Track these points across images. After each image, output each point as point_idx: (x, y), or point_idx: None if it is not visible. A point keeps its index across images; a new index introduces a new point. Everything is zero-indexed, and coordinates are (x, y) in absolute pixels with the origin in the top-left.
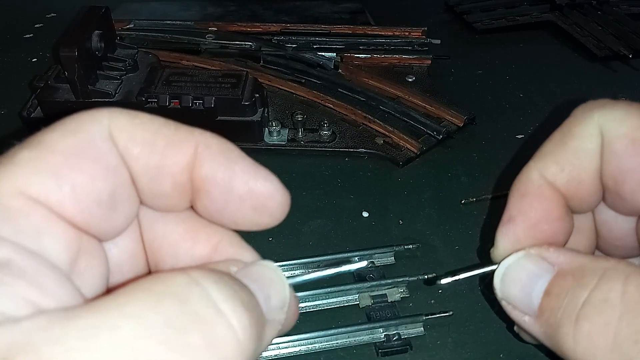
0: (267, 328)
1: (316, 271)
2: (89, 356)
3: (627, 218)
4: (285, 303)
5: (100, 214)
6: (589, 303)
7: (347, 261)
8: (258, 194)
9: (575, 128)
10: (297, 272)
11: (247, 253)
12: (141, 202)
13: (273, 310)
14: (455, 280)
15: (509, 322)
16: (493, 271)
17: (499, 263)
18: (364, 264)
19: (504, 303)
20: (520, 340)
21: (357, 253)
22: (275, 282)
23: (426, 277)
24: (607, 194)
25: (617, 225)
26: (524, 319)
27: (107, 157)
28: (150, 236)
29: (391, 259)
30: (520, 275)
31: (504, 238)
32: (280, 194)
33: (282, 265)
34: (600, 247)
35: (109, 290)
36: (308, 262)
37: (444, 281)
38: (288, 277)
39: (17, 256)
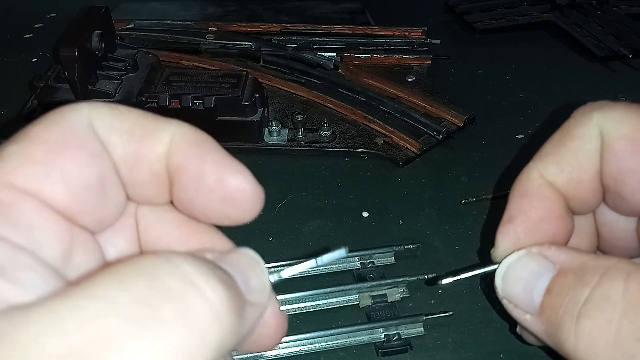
0: (248, 308)
1: (295, 265)
2: (55, 339)
3: (628, 219)
4: (265, 286)
5: (91, 200)
6: (591, 301)
7: (327, 250)
8: (227, 185)
9: (575, 129)
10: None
11: None
12: (128, 198)
13: (253, 292)
14: (456, 280)
15: (512, 323)
16: (494, 271)
17: (500, 262)
18: (343, 252)
19: (505, 302)
20: (523, 342)
21: (357, 253)
22: (253, 265)
23: (427, 277)
24: (607, 195)
25: (618, 226)
26: (526, 318)
27: (91, 144)
28: (145, 239)
29: (391, 259)
30: (521, 274)
31: (505, 238)
32: (251, 188)
33: (282, 265)
34: (601, 248)
35: None
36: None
37: (445, 281)
38: (270, 272)
39: None
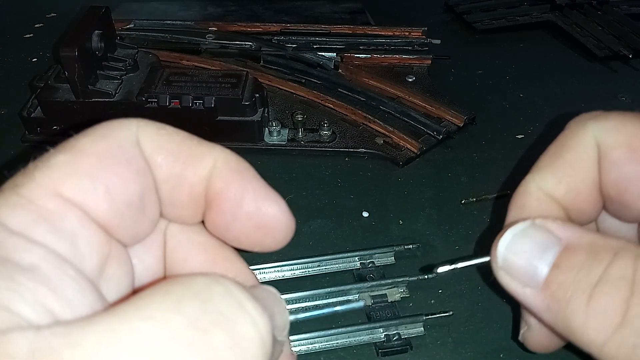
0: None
1: (312, 310)
2: None
3: (630, 225)
4: (286, 325)
5: (130, 216)
6: (605, 279)
7: (346, 301)
8: (265, 214)
9: (570, 140)
10: (297, 272)
11: None
12: (160, 215)
13: (278, 329)
14: (453, 269)
15: (515, 331)
16: (489, 262)
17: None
18: (361, 304)
19: (501, 273)
20: (526, 351)
21: (357, 253)
22: (278, 303)
23: (426, 277)
24: (609, 203)
25: (621, 233)
26: (525, 291)
27: (137, 161)
28: (171, 258)
29: (391, 259)
30: (526, 245)
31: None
32: (286, 218)
33: (283, 265)
34: None
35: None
36: (308, 262)
37: (441, 269)
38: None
39: (44, 262)
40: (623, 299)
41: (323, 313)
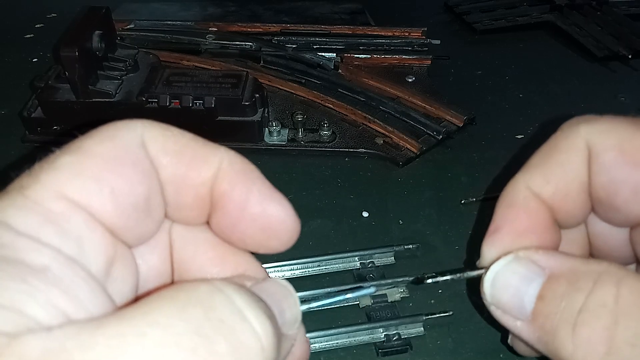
0: (283, 340)
1: (323, 298)
2: None
3: (621, 230)
4: (297, 319)
5: (136, 218)
6: (587, 308)
7: (357, 287)
8: (269, 215)
9: (562, 142)
10: (297, 272)
11: None
12: (165, 215)
13: (287, 324)
14: (443, 280)
15: (504, 334)
16: (480, 275)
17: (488, 267)
18: (372, 290)
19: (493, 309)
20: (514, 353)
21: (357, 253)
22: (287, 297)
23: (416, 277)
24: (599, 207)
25: (612, 237)
26: (516, 324)
27: (142, 163)
28: (179, 257)
29: (391, 259)
30: (511, 280)
31: (490, 248)
32: (291, 220)
33: (283, 265)
34: (593, 256)
35: (137, 300)
36: (308, 262)
37: (429, 281)
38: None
39: (55, 264)
40: (605, 327)
41: (335, 301)
